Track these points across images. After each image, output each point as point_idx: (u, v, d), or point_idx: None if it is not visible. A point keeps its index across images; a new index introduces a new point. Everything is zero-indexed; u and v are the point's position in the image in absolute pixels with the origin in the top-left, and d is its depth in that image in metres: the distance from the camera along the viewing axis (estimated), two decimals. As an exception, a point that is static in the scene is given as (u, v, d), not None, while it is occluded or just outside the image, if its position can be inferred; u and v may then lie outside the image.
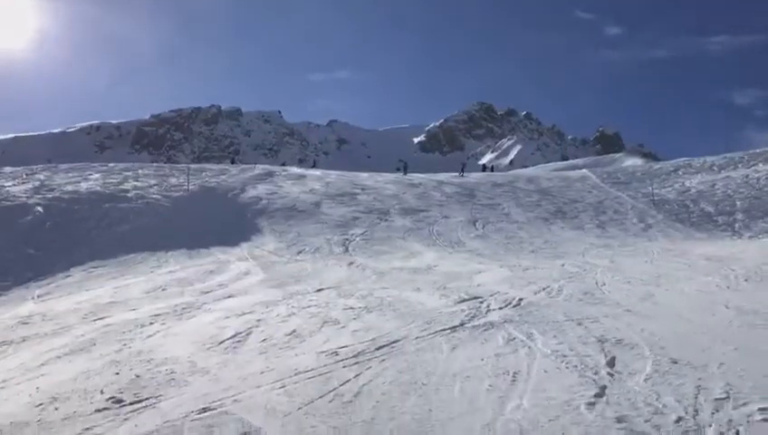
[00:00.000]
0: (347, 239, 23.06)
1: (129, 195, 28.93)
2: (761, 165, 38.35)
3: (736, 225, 27.25)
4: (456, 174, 46.83)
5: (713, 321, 8.89)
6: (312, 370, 6.95)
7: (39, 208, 24.26)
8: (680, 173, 39.37)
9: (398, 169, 50.76)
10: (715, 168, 39.72)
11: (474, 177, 44.10)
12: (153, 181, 33.20)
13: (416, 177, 43.50)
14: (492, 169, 70.66)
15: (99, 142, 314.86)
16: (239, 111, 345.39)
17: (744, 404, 5.42)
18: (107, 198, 27.63)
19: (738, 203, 30.33)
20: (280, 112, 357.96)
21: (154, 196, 29.54)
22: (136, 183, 32.11)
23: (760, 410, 5.25)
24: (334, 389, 6.26)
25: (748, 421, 5.05)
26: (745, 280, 12.67)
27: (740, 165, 39.52)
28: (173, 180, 34.22)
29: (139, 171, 37.10)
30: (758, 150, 43.69)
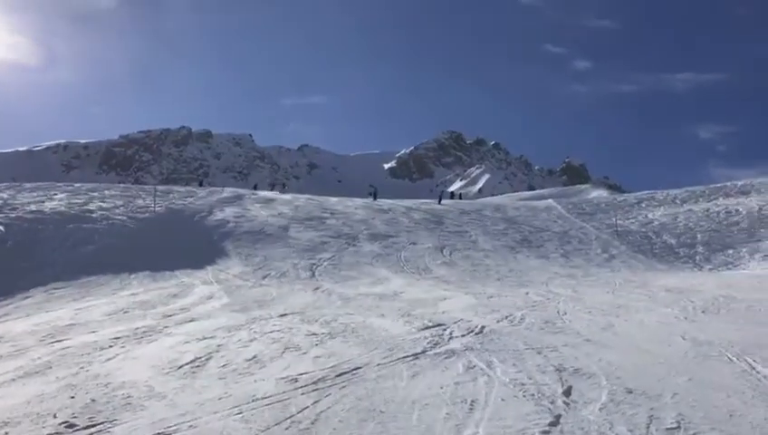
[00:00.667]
0: (314, 264, 23.01)
1: (93, 215, 28.56)
2: (721, 199, 39.32)
3: (697, 257, 27.83)
4: (434, 201, 47.09)
5: (669, 352, 9.05)
6: (271, 396, 6.92)
7: (0, 228, 23.82)
8: (644, 205, 40.13)
9: (369, 194, 50.49)
10: (678, 201, 40.60)
11: (442, 204, 44.40)
12: (119, 202, 32.85)
13: (385, 202, 43.69)
14: (460, 197, 71.28)
15: (66, 162, 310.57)
16: (209, 133, 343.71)
17: (695, 434, 5.54)
18: (71, 219, 27.24)
19: (699, 236, 31.00)
20: (251, 136, 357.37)
21: (119, 217, 29.20)
22: (101, 204, 31.73)
23: (709, 439, 5.37)
24: (292, 416, 6.24)
25: (697, 451, 5.16)
26: (703, 312, 12.93)
27: (701, 199, 40.46)
28: (139, 202, 33.88)
29: (106, 192, 36.69)
30: (719, 185, 44.87)
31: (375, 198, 46.02)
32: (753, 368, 7.82)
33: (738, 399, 6.56)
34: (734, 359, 8.33)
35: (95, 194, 35.10)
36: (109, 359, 9.19)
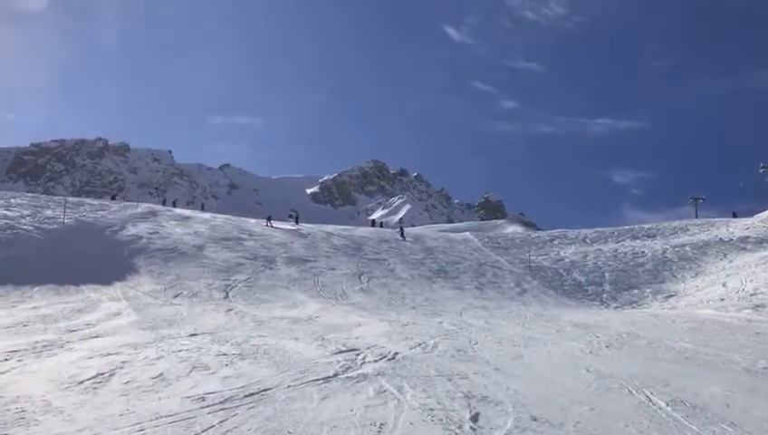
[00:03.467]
0: (228, 285, 22.58)
1: (-4, 223, 27.13)
2: (628, 241, 41.11)
3: (604, 295, 28.93)
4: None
5: (573, 383, 9.34)
6: (175, 414, 6.72)
7: None
8: (556, 243, 41.46)
9: (290, 217, 49.47)
10: (588, 240, 42.16)
11: (362, 232, 44.50)
12: (26, 212, 31.32)
13: (305, 226, 43.43)
14: (381, 226, 71.67)
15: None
16: (127, 146, 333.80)
17: (593, 461, 5.72)
18: (-30, 225, 25.78)
19: (607, 275, 32.27)
20: (170, 151, 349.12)
21: (25, 227, 27.85)
22: (6, 212, 30.20)
23: (606, 466, 5.56)
24: (196, 434, 6.07)
25: (594, 476, 5.33)
26: (607, 346, 13.42)
27: (610, 239, 42.16)
28: (48, 212, 32.42)
29: (12, 200, 34.94)
30: (627, 227, 46.86)
31: (297, 222, 44.89)
32: (651, 400, 8.17)
33: (635, 428, 6.83)
34: (634, 391, 8.68)
35: (0, 202, 33.36)
36: (3, 372, 8.72)
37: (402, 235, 42.02)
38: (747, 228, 40.59)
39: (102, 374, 8.62)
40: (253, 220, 43.19)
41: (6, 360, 9.56)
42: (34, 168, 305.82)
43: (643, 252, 36.71)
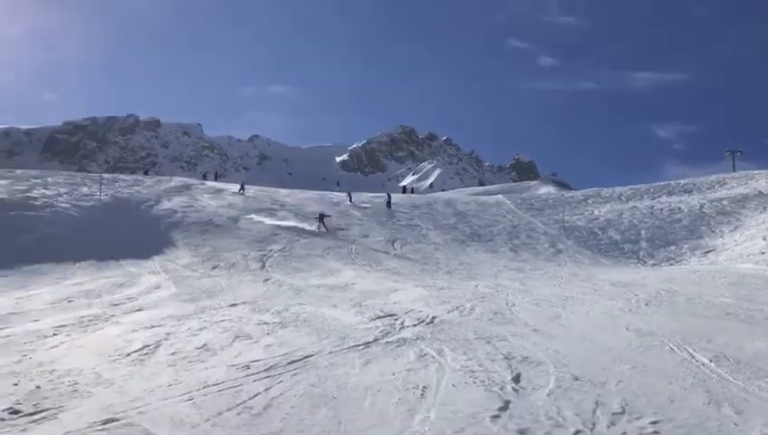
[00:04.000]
0: (264, 255, 22.83)
1: (36, 203, 27.74)
2: (664, 197, 40.45)
3: (641, 253, 28.61)
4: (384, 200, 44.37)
5: (614, 341, 9.30)
6: (222, 383, 6.86)
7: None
8: (590, 202, 40.99)
9: (336, 185, 48.76)
10: (623, 198, 41.57)
11: (395, 198, 44.54)
12: (63, 190, 31.92)
13: (336, 195, 43.51)
14: (412, 191, 71.69)
15: (7, 148, 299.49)
16: (158, 121, 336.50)
17: (638, 418, 5.72)
18: (13, 206, 26.41)
19: (643, 232, 31.86)
20: (200, 125, 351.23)
21: (63, 205, 28.42)
22: (45, 191, 30.80)
23: (651, 423, 5.56)
24: (243, 401, 6.20)
25: (640, 433, 5.33)
26: (646, 304, 13.31)
27: (646, 196, 41.52)
28: (84, 190, 33.01)
29: (49, 179, 35.58)
30: (662, 183, 46.05)
31: (389, 206, 38.68)
32: (693, 356, 8.10)
33: (679, 385, 6.80)
34: (676, 348, 8.61)
35: (38, 181, 34.01)
36: (53, 347, 8.97)
37: (389, 205, 38.73)
38: (788, 180, 39.63)
39: (148, 346, 8.82)
40: (285, 190, 43.44)
41: (55, 335, 9.83)
42: (68, 146, 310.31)
43: (680, 208, 36.13)
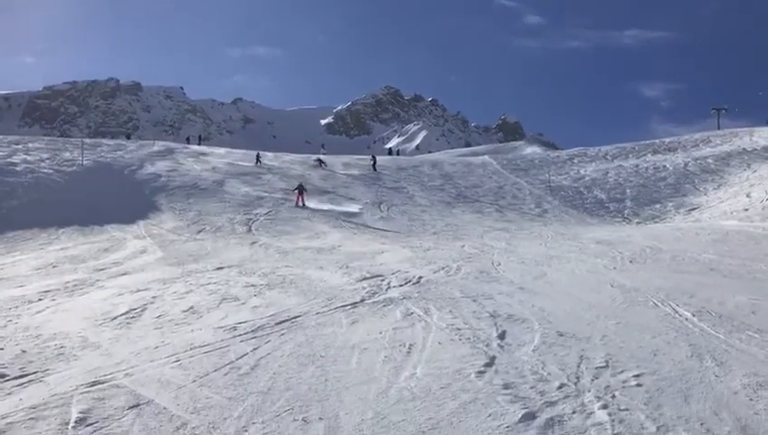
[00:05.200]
0: (250, 219, 22.77)
1: (18, 169, 27.41)
2: (649, 156, 40.62)
3: (626, 211, 28.83)
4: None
5: (598, 298, 9.39)
6: (209, 344, 6.86)
7: None
8: (576, 162, 41.08)
9: (323, 147, 46.92)
10: (609, 157, 41.70)
11: (380, 160, 44.37)
12: (45, 155, 31.52)
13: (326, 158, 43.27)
14: (398, 153, 71.46)
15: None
16: (139, 85, 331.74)
17: (621, 371, 5.78)
18: (-8, 172, 26.05)
19: (628, 191, 32.08)
20: (182, 88, 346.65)
21: (45, 170, 28.10)
22: (26, 157, 30.41)
23: (634, 376, 5.63)
24: (231, 362, 6.21)
25: (623, 386, 5.39)
26: (630, 261, 13.45)
27: (631, 155, 41.67)
28: (66, 155, 32.60)
29: (30, 145, 35.09)
30: (647, 142, 46.16)
31: (375, 168, 37.96)
32: (676, 311, 8.20)
33: (662, 339, 6.88)
34: (659, 304, 8.71)
35: (18, 147, 33.54)
36: (38, 311, 8.93)
37: (374, 168, 38.19)
38: (771, 137, 39.85)
39: (134, 310, 8.79)
40: (270, 154, 43.06)
41: (40, 300, 9.79)
42: (48, 111, 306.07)
43: (665, 166, 36.36)
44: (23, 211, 21.95)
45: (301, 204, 26.24)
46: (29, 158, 30.25)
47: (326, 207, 26.29)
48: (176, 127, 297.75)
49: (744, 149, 37.69)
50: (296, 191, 27.03)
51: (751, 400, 5.08)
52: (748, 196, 26.16)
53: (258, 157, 37.81)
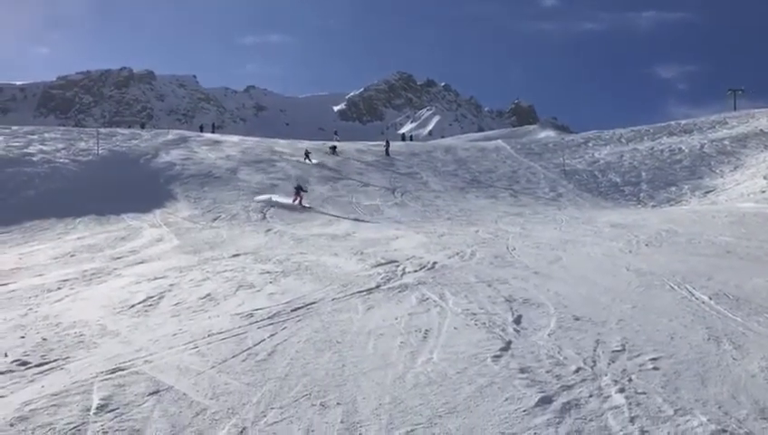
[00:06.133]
0: (265, 206, 22.84)
1: (34, 159, 27.62)
2: (665, 138, 40.21)
3: (641, 194, 28.63)
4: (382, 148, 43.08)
5: (614, 282, 9.37)
6: (227, 331, 6.93)
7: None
8: (590, 145, 40.75)
9: (336, 133, 45.72)
10: (624, 140, 41.32)
11: (393, 146, 44.24)
12: (60, 145, 31.70)
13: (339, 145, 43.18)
14: (411, 139, 71.24)
15: (1, 105, 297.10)
16: (152, 74, 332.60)
17: (638, 355, 5.78)
18: (10, 163, 26.29)
19: (643, 174, 31.82)
20: (195, 77, 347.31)
21: (61, 160, 28.30)
22: (42, 147, 30.59)
23: (651, 359, 5.62)
24: (248, 348, 6.27)
25: (640, 370, 5.39)
26: (646, 245, 13.37)
27: (646, 137, 41.27)
28: (82, 144, 32.76)
29: (46, 135, 35.27)
30: (663, 124, 45.69)
31: (388, 153, 37.39)
32: (693, 295, 8.16)
33: (679, 323, 6.86)
34: (676, 287, 8.67)
35: (35, 137, 33.73)
36: (58, 300, 9.04)
37: (387, 152, 37.76)
38: (789, 118, 39.34)
39: (152, 298, 8.89)
40: (284, 141, 43.03)
41: (59, 288, 9.91)
42: (63, 101, 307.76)
43: (680, 148, 36.00)
44: (40, 201, 22.13)
45: (299, 204, 24.05)
46: (45, 148, 30.44)
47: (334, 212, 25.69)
48: (189, 115, 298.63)
49: (761, 130, 37.22)
50: (295, 191, 24.47)
51: (769, 382, 5.06)
52: (765, 178, 25.90)
53: (307, 154, 33.77)
